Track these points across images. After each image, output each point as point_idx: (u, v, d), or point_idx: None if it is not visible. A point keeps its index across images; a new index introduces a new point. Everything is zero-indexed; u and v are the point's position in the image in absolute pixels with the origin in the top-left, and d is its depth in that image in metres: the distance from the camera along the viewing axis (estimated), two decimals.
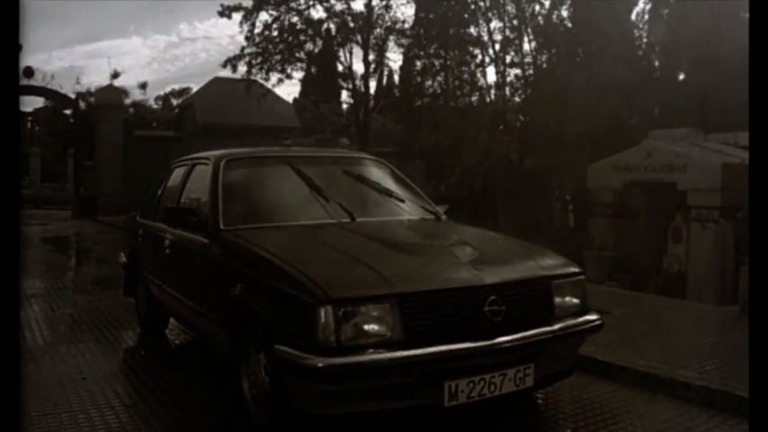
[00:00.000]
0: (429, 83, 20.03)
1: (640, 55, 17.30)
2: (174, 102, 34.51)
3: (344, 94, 25.32)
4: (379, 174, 4.71)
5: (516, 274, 3.34)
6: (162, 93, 37.72)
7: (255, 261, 3.38)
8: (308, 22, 18.32)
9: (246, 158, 4.59)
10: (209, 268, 3.88)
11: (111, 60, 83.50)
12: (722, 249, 9.79)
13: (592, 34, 15.73)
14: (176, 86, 48.13)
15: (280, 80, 18.99)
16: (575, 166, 13.16)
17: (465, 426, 3.40)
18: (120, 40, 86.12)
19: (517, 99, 18.66)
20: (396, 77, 25.19)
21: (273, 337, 2.99)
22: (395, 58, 34.55)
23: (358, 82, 19.80)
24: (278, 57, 18.51)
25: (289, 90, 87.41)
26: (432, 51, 19.20)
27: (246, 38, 18.17)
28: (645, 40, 17.81)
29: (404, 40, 19.49)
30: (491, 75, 30.80)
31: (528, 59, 17.90)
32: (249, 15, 17.95)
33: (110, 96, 23.12)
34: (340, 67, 19.88)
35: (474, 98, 19.58)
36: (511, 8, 17.61)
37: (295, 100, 29.99)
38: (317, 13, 18.39)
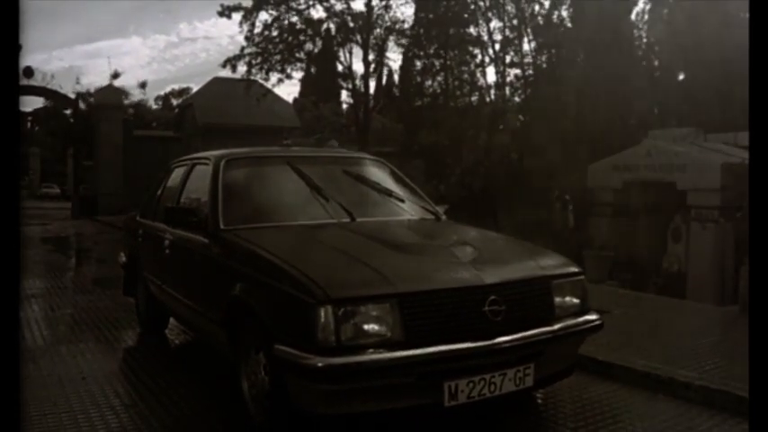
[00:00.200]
0: (429, 83, 20.07)
1: (640, 55, 17.31)
2: (174, 102, 34.57)
3: (344, 94, 25.39)
4: (378, 174, 4.70)
5: (516, 273, 3.34)
6: (162, 93, 37.87)
7: (255, 261, 3.38)
8: (308, 21, 18.33)
9: (246, 158, 4.58)
10: (208, 268, 3.87)
11: (111, 60, 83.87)
12: (722, 249, 9.81)
13: (592, 34, 15.72)
14: (176, 86, 48.26)
15: (279, 80, 19.07)
16: (575, 165, 13.16)
17: (465, 426, 3.39)
18: (119, 40, 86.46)
19: (517, 99, 18.69)
20: (396, 77, 25.27)
21: (273, 337, 2.99)
22: (395, 58, 34.74)
23: (358, 82, 19.87)
24: (278, 57, 18.53)
25: (289, 90, 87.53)
26: (431, 51, 19.24)
27: (246, 38, 18.22)
28: (645, 40, 17.82)
29: (404, 40, 19.54)
30: (491, 75, 30.90)
31: (528, 59, 17.93)
32: (249, 15, 17.97)
33: (109, 96, 23.16)
34: (340, 67, 19.92)
35: (474, 98, 19.63)
36: (511, 8, 17.64)
37: (295, 100, 30.06)
38: (317, 12, 18.46)
